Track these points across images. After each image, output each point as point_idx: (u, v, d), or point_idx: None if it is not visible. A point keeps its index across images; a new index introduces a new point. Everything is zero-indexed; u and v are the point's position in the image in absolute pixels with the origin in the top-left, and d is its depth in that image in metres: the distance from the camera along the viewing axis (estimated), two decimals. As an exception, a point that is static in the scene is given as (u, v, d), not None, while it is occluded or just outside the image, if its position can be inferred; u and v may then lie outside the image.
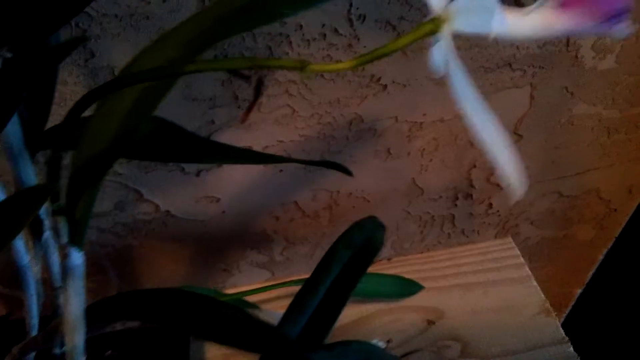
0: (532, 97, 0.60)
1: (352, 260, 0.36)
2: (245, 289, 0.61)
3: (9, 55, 0.23)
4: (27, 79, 0.25)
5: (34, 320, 0.34)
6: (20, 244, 0.32)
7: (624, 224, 0.83)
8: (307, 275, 0.36)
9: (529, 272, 0.62)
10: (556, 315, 0.60)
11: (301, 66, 0.20)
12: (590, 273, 0.93)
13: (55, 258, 0.35)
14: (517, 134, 0.64)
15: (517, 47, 0.55)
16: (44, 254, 0.34)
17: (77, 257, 0.29)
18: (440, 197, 0.70)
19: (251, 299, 0.57)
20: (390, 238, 0.75)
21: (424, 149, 0.63)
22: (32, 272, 0.33)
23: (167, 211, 0.61)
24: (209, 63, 0.26)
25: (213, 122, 0.53)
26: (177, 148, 0.30)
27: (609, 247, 0.88)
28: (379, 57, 0.22)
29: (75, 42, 0.26)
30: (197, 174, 0.58)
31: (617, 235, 0.86)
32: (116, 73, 0.47)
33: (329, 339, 0.35)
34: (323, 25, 0.48)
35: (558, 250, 0.87)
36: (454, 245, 0.76)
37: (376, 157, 0.62)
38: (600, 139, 0.68)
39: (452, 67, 0.20)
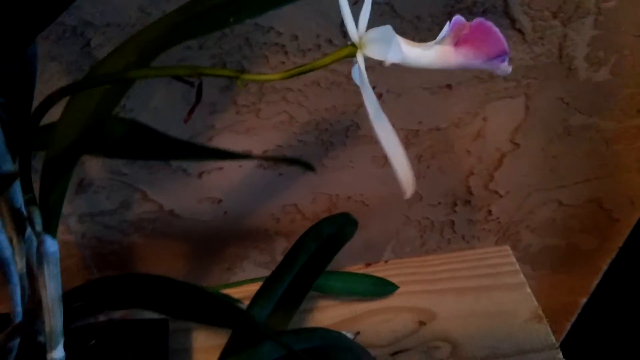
0: (527, 107, 0.61)
1: (318, 251, 0.37)
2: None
3: None
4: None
5: (18, 308, 0.37)
6: (3, 237, 0.34)
7: (627, 234, 0.83)
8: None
9: (524, 279, 0.63)
10: (548, 322, 0.61)
11: (236, 75, 0.22)
12: (595, 282, 0.93)
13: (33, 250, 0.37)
14: (513, 143, 0.65)
15: (510, 59, 0.56)
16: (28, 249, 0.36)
17: (52, 244, 0.32)
18: (439, 203, 0.72)
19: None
20: (390, 242, 0.76)
21: (421, 156, 0.64)
22: (15, 264, 0.35)
23: (171, 210, 0.64)
24: (156, 70, 0.29)
25: (213, 126, 0.56)
26: (148, 146, 0.32)
27: (613, 257, 0.88)
28: (304, 72, 0.24)
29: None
30: (199, 176, 0.61)
31: (620, 246, 0.86)
32: (120, 79, 0.50)
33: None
34: (318, 36, 0.50)
35: (561, 259, 0.87)
36: (454, 250, 0.77)
37: (374, 163, 0.64)
38: (598, 150, 0.69)
39: (364, 83, 0.23)
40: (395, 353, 0.55)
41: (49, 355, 0.33)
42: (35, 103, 0.35)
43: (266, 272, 0.77)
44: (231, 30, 0.49)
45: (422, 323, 0.58)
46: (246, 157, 0.29)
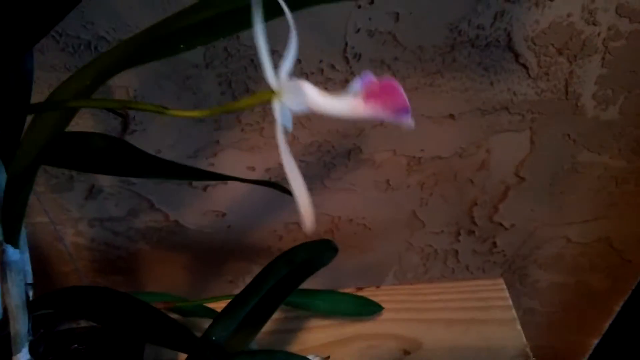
0: (532, 141, 0.61)
1: (288, 276, 0.38)
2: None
3: None
4: None
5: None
6: None
7: (640, 276, 0.81)
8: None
9: (515, 315, 0.62)
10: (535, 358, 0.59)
11: (160, 111, 0.24)
12: (607, 323, 0.91)
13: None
14: (519, 176, 0.65)
15: (514, 93, 0.56)
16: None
17: (13, 254, 0.33)
18: (442, 231, 0.72)
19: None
20: (392, 267, 0.76)
21: (423, 183, 0.65)
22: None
23: (176, 221, 0.66)
24: (89, 101, 0.31)
25: (218, 142, 0.58)
26: (126, 163, 0.34)
27: (626, 298, 0.86)
28: (226, 112, 0.26)
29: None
30: (204, 189, 0.63)
31: (633, 288, 0.83)
32: (130, 93, 0.53)
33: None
34: (320, 61, 0.52)
35: (571, 297, 0.86)
36: (457, 280, 0.77)
37: (376, 187, 0.65)
38: (607, 188, 0.68)
39: (278, 129, 0.24)
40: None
41: (14, 358, 0.34)
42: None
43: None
44: (237, 51, 0.51)
45: (406, 352, 0.57)
46: (227, 178, 0.30)
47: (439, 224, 0.71)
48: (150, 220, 0.66)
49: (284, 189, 0.38)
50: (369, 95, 0.24)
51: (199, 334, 0.40)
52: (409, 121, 0.24)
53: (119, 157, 0.33)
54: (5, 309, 0.38)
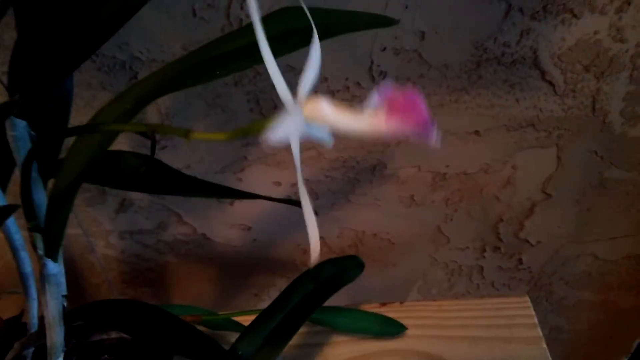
0: (558, 157, 0.61)
1: (313, 292, 0.39)
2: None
3: (19, 100, 0.29)
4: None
5: (33, 320, 0.40)
6: (25, 255, 0.38)
7: (670, 295, 0.80)
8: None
9: (540, 334, 0.61)
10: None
11: (185, 134, 0.24)
12: (635, 342, 0.89)
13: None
14: (545, 193, 0.65)
15: (540, 110, 0.56)
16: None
17: (53, 267, 0.35)
18: (467, 247, 0.72)
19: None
20: (416, 282, 0.76)
21: (448, 199, 0.65)
22: (34, 280, 0.39)
23: (204, 234, 0.67)
24: (120, 125, 0.32)
25: (246, 157, 0.59)
26: (159, 181, 0.35)
27: (655, 317, 0.84)
28: (244, 134, 0.27)
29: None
30: (231, 203, 0.64)
31: (663, 306, 0.82)
32: (162, 110, 0.54)
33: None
34: (347, 78, 0.53)
35: (598, 315, 0.85)
36: (483, 297, 0.76)
37: (400, 202, 0.65)
38: (635, 205, 0.67)
39: (294, 151, 0.25)
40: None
41: (49, 368, 0.36)
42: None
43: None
44: (265, 70, 0.52)
45: (431, 368, 0.57)
46: (254, 197, 0.31)
47: (464, 239, 0.70)
48: (179, 233, 0.67)
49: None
50: (390, 111, 0.23)
51: (225, 347, 0.41)
52: (433, 138, 0.23)
53: (151, 176, 0.34)
54: (40, 320, 0.40)
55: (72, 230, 0.67)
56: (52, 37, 0.32)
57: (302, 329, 0.64)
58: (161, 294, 0.76)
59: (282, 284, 0.75)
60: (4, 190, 0.35)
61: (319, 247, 0.25)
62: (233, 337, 0.45)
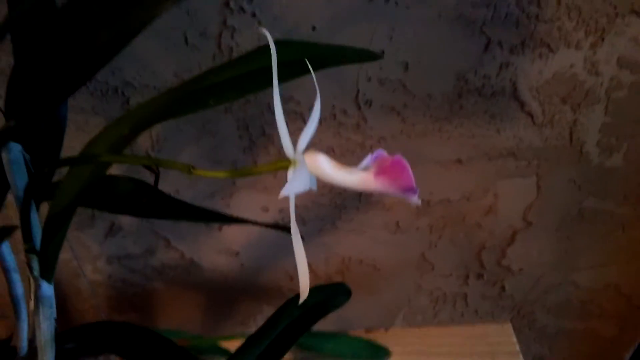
0: (538, 186, 0.63)
1: (300, 318, 0.40)
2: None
3: (13, 124, 0.30)
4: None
5: (23, 343, 0.40)
6: (17, 277, 0.38)
7: (650, 324, 0.81)
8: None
9: (523, 360, 0.62)
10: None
11: (187, 169, 0.26)
12: (618, 372, 0.90)
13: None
14: (526, 221, 0.67)
15: (520, 139, 0.58)
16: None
17: (47, 289, 0.35)
18: (451, 274, 0.73)
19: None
20: (402, 309, 0.77)
21: (432, 226, 0.66)
22: (25, 303, 0.39)
23: (191, 259, 0.68)
24: (121, 157, 0.33)
25: (234, 183, 0.60)
26: (153, 207, 0.36)
27: (636, 346, 0.85)
28: (245, 175, 0.28)
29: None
30: (219, 228, 0.65)
31: (644, 335, 0.83)
32: (153, 136, 0.55)
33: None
34: (333, 106, 0.55)
35: (580, 344, 0.85)
36: (466, 323, 0.77)
37: (386, 229, 0.66)
38: (614, 234, 0.69)
39: (291, 202, 0.27)
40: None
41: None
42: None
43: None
44: (255, 97, 0.54)
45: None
46: (243, 222, 0.32)
47: (448, 267, 0.72)
48: (167, 258, 0.68)
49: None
50: (379, 171, 0.26)
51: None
52: (415, 200, 0.26)
53: (143, 201, 0.35)
54: (30, 343, 0.40)
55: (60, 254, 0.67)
56: (47, 65, 0.33)
57: (289, 354, 0.64)
58: (147, 319, 0.76)
59: (268, 311, 0.76)
60: (-1, 209, 0.36)
61: (308, 286, 0.27)
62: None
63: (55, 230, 0.32)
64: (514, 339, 0.65)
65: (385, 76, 0.53)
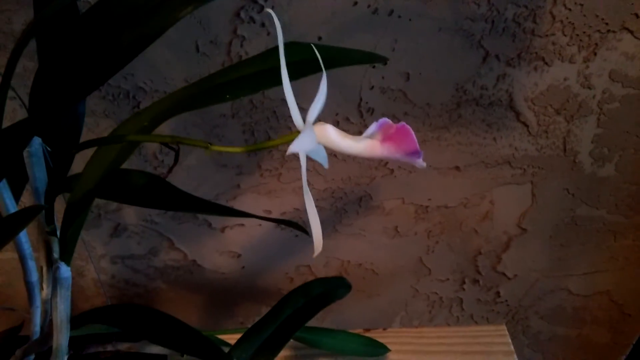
0: (533, 194, 0.65)
1: (304, 306, 0.41)
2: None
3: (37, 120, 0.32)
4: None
5: (36, 328, 0.42)
6: (32, 264, 0.40)
7: (641, 331, 0.83)
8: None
9: (517, 360, 0.64)
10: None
11: (205, 146, 0.28)
12: (610, 379, 0.92)
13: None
14: (521, 228, 0.69)
15: (516, 148, 0.60)
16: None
17: (65, 271, 0.37)
18: (448, 279, 0.75)
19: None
20: (399, 313, 0.79)
21: (430, 231, 0.68)
22: (41, 290, 0.41)
23: (194, 260, 0.69)
24: (145, 137, 0.35)
25: (239, 186, 0.62)
26: (163, 197, 0.38)
27: (628, 353, 0.87)
28: (260, 149, 0.30)
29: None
30: (222, 230, 0.66)
31: (634, 343, 0.85)
32: (161, 137, 0.57)
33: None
34: (337, 114, 0.57)
35: (574, 350, 0.87)
36: (462, 325, 0.79)
37: (385, 234, 0.68)
38: (606, 242, 0.71)
39: (302, 161, 0.28)
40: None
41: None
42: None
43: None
44: (261, 103, 0.55)
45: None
46: (251, 216, 0.34)
47: (445, 271, 0.73)
48: (170, 259, 0.69)
49: (301, 228, 0.42)
50: (385, 137, 0.28)
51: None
52: (420, 162, 0.28)
53: (156, 193, 0.37)
54: (45, 325, 0.42)
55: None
56: (69, 65, 0.35)
57: (289, 349, 0.66)
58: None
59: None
60: (17, 201, 0.37)
61: (321, 243, 0.29)
62: None
63: (75, 216, 0.34)
64: (508, 339, 0.67)
65: (387, 85, 0.55)
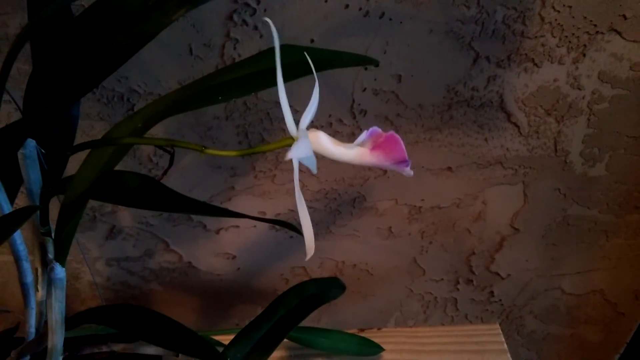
0: (525, 194, 0.66)
1: (298, 306, 0.42)
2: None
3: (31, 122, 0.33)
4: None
5: (31, 329, 0.42)
6: (27, 265, 0.40)
7: (634, 329, 0.84)
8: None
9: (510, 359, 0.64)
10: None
11: (200, 149, 0.29)
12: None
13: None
14: (513, 227, 0.69)
15: (507, 149, 0.61)
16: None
17: (60, 271, 0.37)
18: (442, 279, 0.75)
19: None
20: (393, 314, 0.79)
21: (423, 232, 0.69)
22: (34, 290, 0.41)
23: (189, 262, 0.70)
24: (140, 139, 0.35)
25: (233, 187, 0.62)
26: (157, 199, 0.38)
27: (621, 352, 0.88)
28: (254, 153, 0.31)
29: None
30: (217, 232, 0.67)
31: (628, 341, 0.86)
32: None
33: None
34: (330, 115, 0.57)
35: (568, 349, 0.88)
36: (456, 324, 0.79)
37: (378, 234, 0.69)
38: (598, 241, 0.72)
39: (295, 167, 0.29)
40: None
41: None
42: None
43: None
44: (255, 105, 0.56)
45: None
46: (244, 216, 0.35)
47: (439, 271, 0.74)
48: (165, 261, 0.70)
49: (295, 228, 0.43)
50: (375, 146, 0.28)
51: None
52: (408, 171, 0.28)
53: (149, 194, 0.37)
54: (40, 326, 0.42)
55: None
56: (64, 67, 0.36)
57: (284, 349, 0.66)
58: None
59: (263, 313, 0.78)
60: (12, 203, 0.38)
61: (313, 247, 0.29)
62: None
63: (69, 217, 0.35)
64: (502, 338, 0.68)
65: (379, 87, 0.55)
